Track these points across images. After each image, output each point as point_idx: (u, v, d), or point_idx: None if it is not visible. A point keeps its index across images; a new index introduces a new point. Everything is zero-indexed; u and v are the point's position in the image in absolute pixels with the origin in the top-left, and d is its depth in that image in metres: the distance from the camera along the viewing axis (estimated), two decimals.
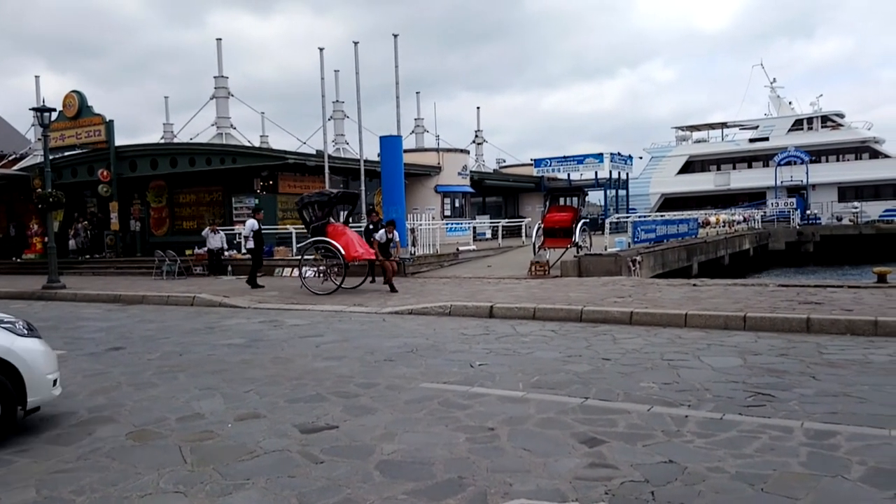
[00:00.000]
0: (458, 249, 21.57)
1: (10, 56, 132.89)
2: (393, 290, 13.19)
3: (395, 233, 14.37)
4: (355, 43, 22.85)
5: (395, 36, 22.66)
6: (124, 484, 3.93)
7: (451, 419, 4.96)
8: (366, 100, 21.52)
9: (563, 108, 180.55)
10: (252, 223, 15.80)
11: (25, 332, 5.18)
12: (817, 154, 48.91)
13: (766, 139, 52.46)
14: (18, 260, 26.43)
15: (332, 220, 14.06)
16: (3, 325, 5.04)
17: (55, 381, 5.20)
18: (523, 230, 28.23)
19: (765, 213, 41.25)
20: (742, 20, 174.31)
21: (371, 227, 15.49)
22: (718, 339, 7.78)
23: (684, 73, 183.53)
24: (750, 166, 53.32)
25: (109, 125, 24.63)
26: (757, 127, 54.26)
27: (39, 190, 18.60)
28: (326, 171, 22.61)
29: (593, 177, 38.53)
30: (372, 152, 24.98)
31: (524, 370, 6.46)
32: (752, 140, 53.90)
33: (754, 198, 49.16)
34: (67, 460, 4.36)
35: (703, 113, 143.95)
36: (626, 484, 3.70)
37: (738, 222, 34.37)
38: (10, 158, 37.25)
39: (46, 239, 19.36)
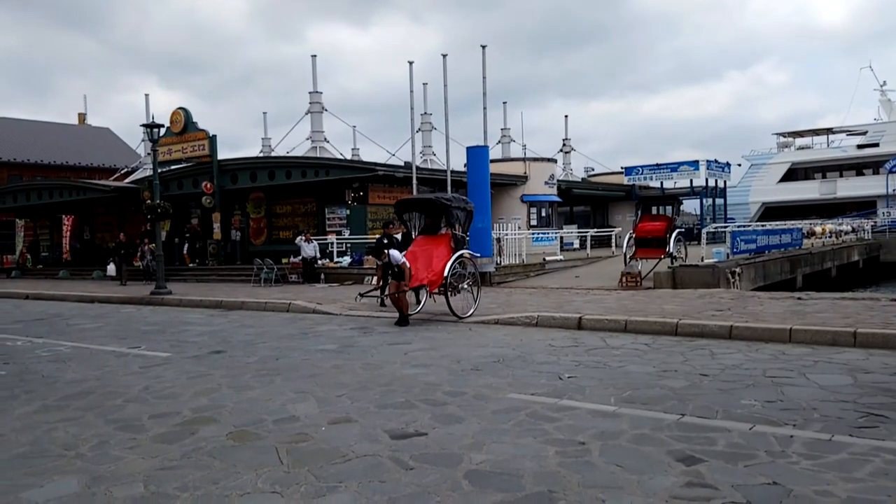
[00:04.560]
0: (544, 259, 21.37)
1: (126, 73, 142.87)
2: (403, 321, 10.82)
3: (392, 252, 11.16)
4: (444, 55, 23.13)
5: (484, 47, 22.75)
6: (225, 482, 4.09)
7: (539, 431, 4.89)
8: (453, 110, 21.86)
9: (662, 114, 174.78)
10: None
11: None
12: None
13: (877, 145, 49.20)
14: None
15: (446, 229, 11.94)
16: None
17: None
18: (613, 240, 27.64)
19: (875, 222, 38.74)
20: (863, 15, 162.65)
21: (385, 241, 13.40)
22: (826, 355, 7.33)
23: (798, 75, 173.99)
24: (859, 174, 50.17)
25: (212, 140, 25.96)
26: (866, 132, 51.01)
27: (148, 202, 19.78)
28: (414, 182, 22.94)
29: (688, 185, 37.35)
30: (458, 162, 25.14)
31: (616, 384, 6.30)
32: (860, 146, 50.69)
33: (863, 207, 46.22)
34: (172, 458, 4.58)
35: (814, 117, 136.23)
36: None
37: (846, 232, 32.42)
38: (121, 172, 39.94)
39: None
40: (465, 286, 11.61)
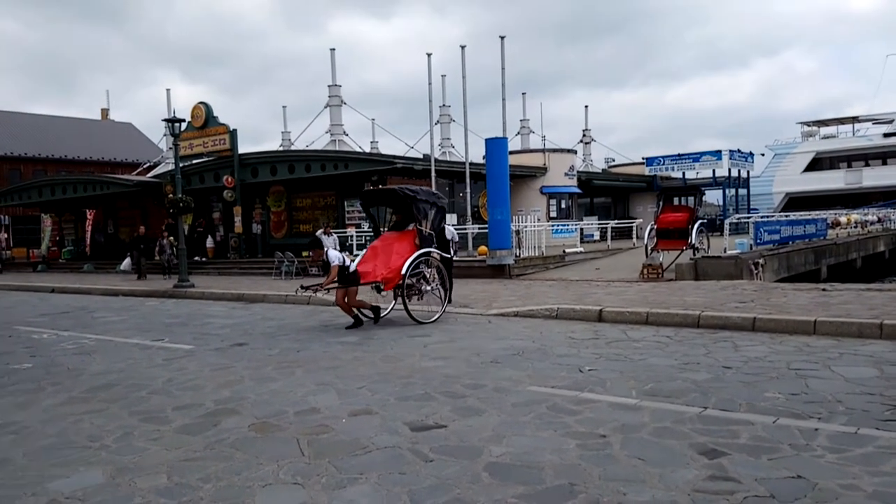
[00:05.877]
0: (564, 251, 21.26)
1: (149, 68, 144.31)
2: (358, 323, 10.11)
3: (330, 252, 10.05)
4: (462, 47, 23.07)
5: (502, 38, 22.68)
6: (247, 473, 4.13)
7: (559, 424, 4.87)
8: (472, 102, 21.85)
9: (686, 103, 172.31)
10: None
11: None
12: None
13: None
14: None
15: (413, 225, 10.81)
16: None
17: None
18: (634, 232, 27.43)
19: None
20: None
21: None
22: (851, 347, 7.22)
23: (828, 62, 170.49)
24: (885, 163, 49.35)
25: (233, 134, 26.11)
26: (892, 121, 50.16)
27: (171, 196, 19.97)
28: (433, 174, 22.93)
29: (710, 175, 36.92)
30: (477, 154, 25.14)
31: (637, 377, 6.26)
32: (886, 135, 49.85)
33: (889, 196, 45.47)
34: (195, 449, 4.63)
35: (841, 105, 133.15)
36: (750, 499, 3.49)
37: (872, 223, 31.90)
38: (144, 166, 40.37)
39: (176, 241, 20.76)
40: (431, 288, 10.58)
